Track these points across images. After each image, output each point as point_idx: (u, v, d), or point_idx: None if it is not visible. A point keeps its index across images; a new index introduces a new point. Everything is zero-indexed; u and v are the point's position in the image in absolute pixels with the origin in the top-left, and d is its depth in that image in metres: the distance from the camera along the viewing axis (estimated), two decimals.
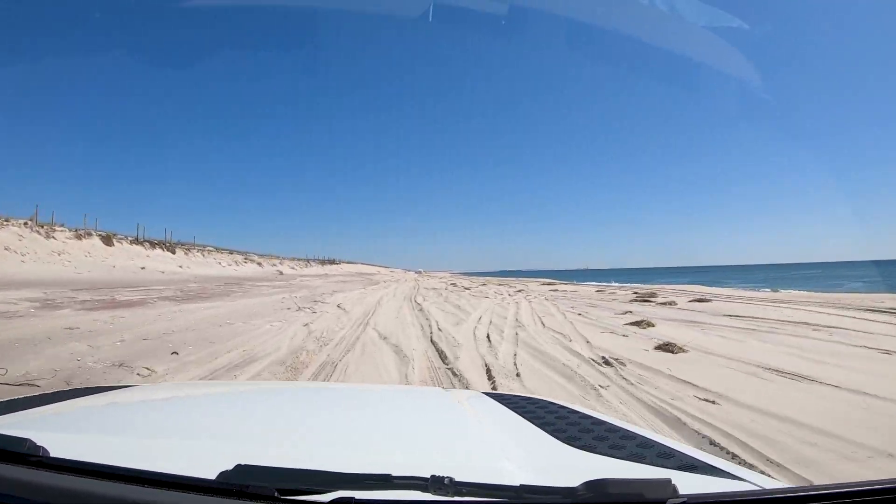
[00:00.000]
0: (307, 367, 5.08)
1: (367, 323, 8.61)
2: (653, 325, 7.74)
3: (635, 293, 16.75)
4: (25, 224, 22.66)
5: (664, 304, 12.31)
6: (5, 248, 19.20)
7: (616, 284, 29.41)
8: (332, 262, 68.04)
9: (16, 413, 1.10)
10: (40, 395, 1.36)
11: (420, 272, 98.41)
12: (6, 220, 21.75)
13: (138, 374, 4.57)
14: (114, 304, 10.28)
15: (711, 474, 0.86)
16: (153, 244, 31.11)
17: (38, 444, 0.71)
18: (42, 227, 23.53)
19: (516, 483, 0.63)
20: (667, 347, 5.74)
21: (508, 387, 4.28)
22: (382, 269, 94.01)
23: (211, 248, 39.03)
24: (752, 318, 8.90)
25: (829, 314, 9.19)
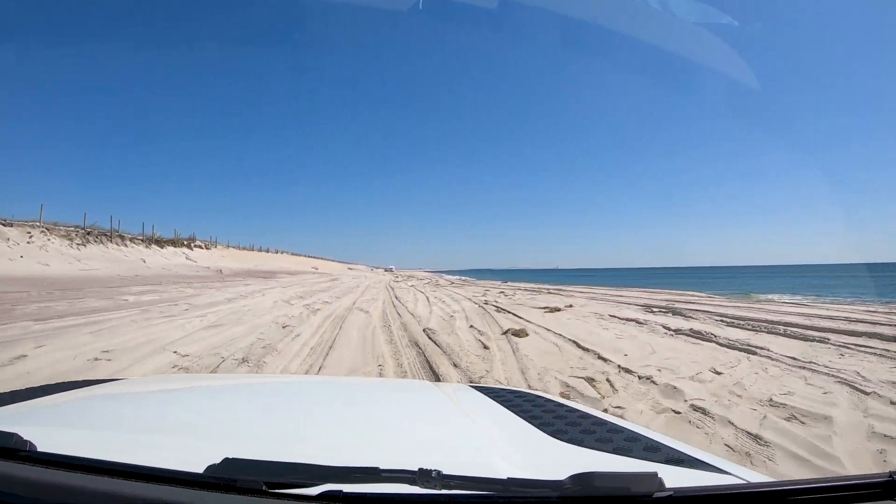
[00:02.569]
0: None
1: None
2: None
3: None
4: None
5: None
6: None
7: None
8: (178, 242, 32.57)
9: (3, 407, 1.09)
10: (28, 388, 1.35)
11: (391, 269, 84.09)
12: None
13: None
14: None
15: (698, 468, 0.87)
16: None
17: (26, 438, 0.70)
18: None
19: (503, 476, 0.63)
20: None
21: None
22: (334, 266, 70.59)
23: None
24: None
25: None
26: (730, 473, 0.84)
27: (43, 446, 0.70)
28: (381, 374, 4.71)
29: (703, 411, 3.47)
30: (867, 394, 3.85)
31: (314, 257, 77.27)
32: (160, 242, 30.49)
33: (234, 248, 45.57)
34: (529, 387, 4.14)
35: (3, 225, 19.71)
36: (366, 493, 0.62)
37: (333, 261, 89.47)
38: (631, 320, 8.70)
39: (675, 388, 4.03)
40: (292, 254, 65.49)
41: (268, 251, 55.53)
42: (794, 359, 5.19)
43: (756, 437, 3.01)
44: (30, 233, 20.70)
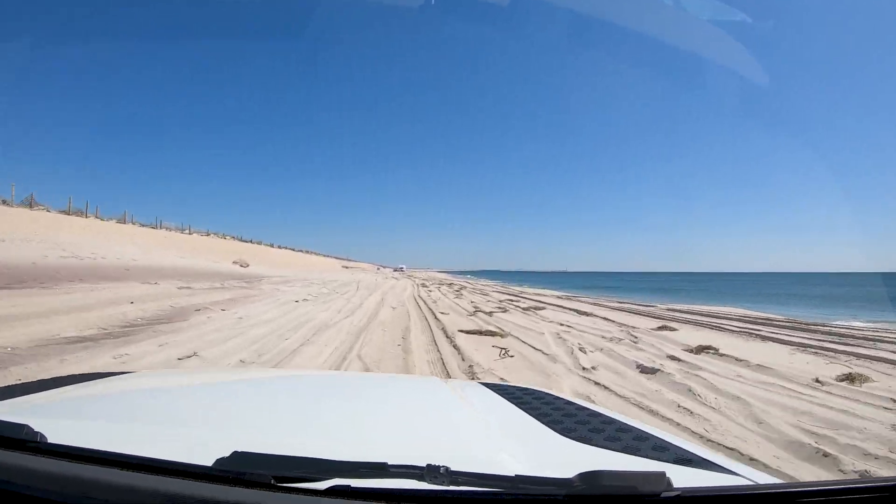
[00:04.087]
0: None
1: None
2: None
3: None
4: None
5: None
6: None
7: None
8: None
9: (14, 399, 1.10)
10: (39, 380, 1.36)
11: (402, 269, 71.71)
12: None
13: None
14: None
15: (706, 468, 0.86)
16: None
17: (36, 429, 0.71)
18: None
19: (512, 473, 0.63)
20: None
21: None
22: (320, 263, 55.18)
23: None
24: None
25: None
26: (739, 475, 0.84)
27: (53, 438, 0.71)
28: None
29: None
30: None
31: (306, 251, 59.83)
32: None
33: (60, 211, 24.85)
34: None
35: None
36: (374, 488, 0.62)
37: (330, 257, 73.70)
38: None
39: None
40: (234, 239, 42.78)
41: (169, 229, 34.87)
42: None
43: None
44: None
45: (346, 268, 60.79)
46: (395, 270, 68.76)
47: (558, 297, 21.58)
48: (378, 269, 78.19)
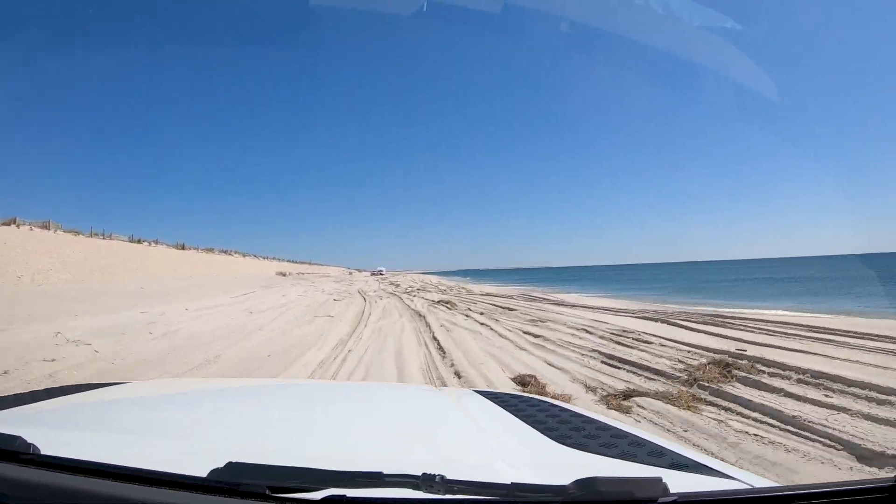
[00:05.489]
0: None
1: None
2: None
3: None
4: None
5: None
6: None
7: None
8: None
9: (7, 410, 1.09)
10: (32, 392, 1.35)
11: (381, 272, 60.26)
12: None
13: None
14: None
15: (702, 473, 0.86)
16: None
17: (29, 441, 0.70)
18: None
19: (507, 481, 0.63)
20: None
21: None
22: (244, 268, 39.26)
23: None
24: None
25: None
26: (735, 479, 0.84)
27: (47, 449, 0.70)
28: None
29: None
30: None
31: (224, 251, 47.53)
32: None
33: None
34: None
35: None
36: (369, 498, 0.62)
37: (274, 260, 61.46)
38: None
39: None
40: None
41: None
42: None
43: None
44: None
45: (283, 275, 36.18)
46: (372, 274, 56.21)
47: None
48: (350, 273, 64.60)
